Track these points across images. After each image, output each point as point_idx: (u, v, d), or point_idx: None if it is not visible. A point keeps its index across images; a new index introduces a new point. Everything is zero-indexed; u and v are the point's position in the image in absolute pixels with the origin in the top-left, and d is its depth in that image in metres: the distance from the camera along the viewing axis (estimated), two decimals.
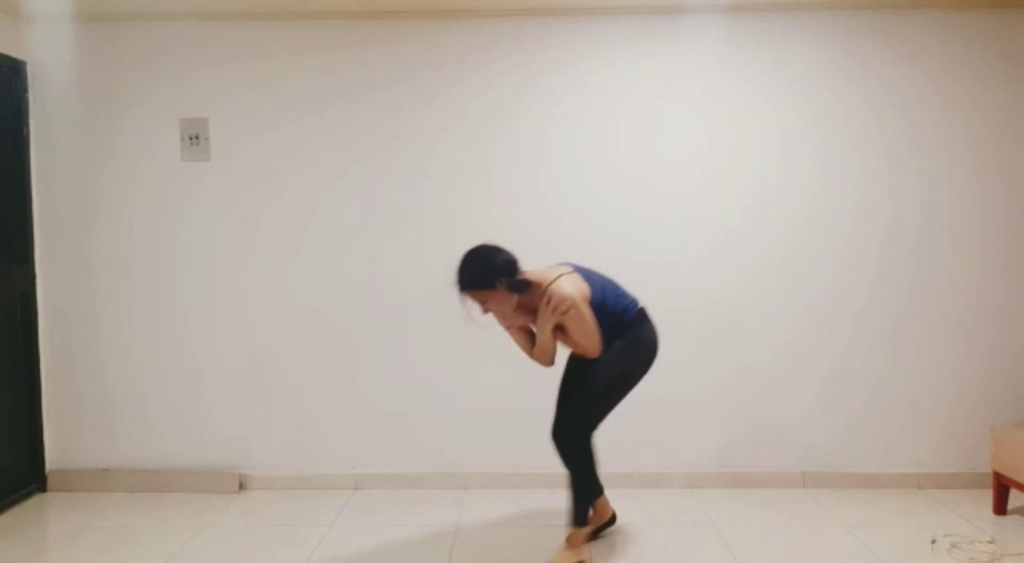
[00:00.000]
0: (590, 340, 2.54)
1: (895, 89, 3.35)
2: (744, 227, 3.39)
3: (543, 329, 2.52)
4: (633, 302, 2.70)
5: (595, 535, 2.88)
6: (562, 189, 3.40)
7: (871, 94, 3.35)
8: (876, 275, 3.40)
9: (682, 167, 3.39)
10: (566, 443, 2.65)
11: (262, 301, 3.46)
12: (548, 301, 2.46)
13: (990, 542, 2.82)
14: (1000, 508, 3.10)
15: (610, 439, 3.44)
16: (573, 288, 2.48)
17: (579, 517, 2.63)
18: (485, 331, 3.37)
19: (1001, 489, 3.10)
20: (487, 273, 2.45)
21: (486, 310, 2.53)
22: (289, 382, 3.47)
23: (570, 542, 2.64)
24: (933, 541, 2.82)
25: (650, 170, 3.39)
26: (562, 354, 2.73)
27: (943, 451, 3.43)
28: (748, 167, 3.39)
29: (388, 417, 3.47)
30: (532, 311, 2.57)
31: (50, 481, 3.48)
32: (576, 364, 2.73)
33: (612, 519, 2.95)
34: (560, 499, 3.26)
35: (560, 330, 2.56)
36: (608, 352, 2.59)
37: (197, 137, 3.42)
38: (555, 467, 3.10)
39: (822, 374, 3.42)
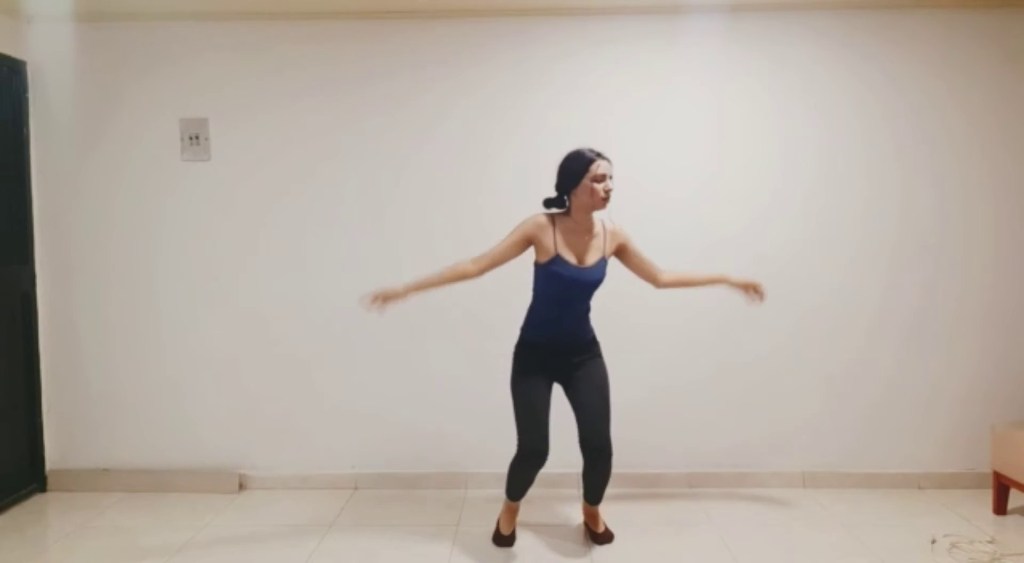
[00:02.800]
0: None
1: (903, 87, 3.34)
2: (748, 228, 3.39)
3: None
4: None
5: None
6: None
7: (879, 92, 3.35)
8: (878, 276, 3.39)
9: (684, 164, 3.39)
10: (609, 445, 2.73)
11: (262, 301, 3.46)
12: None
13: (990, 542, 2.81)
14: (1000, 508, 3.10)
15: (612, 439, 3.45)
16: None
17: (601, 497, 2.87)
18: (488, 331, 3.41)
19: (1001, 489, 3.10)
20: None
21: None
22: (290, 382, 3.47)
23: (598, 515, 2.90)
24: (933, 541, 2.82)
25: (650, 169, 3.39)
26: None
27: (943, 451, 3.43)
28: (754, 166, 3.39)
29: (388, 417, 3.47)
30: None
31: (50, 481, 3.48)
32: (566, 377, 2.76)
33: None
34: (558, 498, 3.26)
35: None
36: (602, 362, 2.78)
37: (197, 137, 3.42)
38: (554, 467, 3.10)
39: (823, 375, 3.42)
